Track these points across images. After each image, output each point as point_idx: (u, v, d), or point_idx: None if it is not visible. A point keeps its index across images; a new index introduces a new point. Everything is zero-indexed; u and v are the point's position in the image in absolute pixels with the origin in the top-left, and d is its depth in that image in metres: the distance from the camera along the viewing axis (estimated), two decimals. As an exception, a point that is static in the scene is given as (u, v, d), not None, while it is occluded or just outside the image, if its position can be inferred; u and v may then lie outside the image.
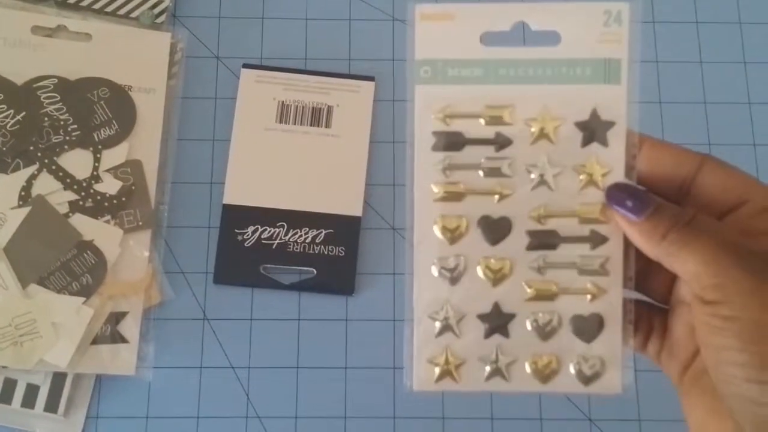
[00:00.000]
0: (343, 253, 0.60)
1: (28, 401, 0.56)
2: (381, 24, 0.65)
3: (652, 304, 0.36)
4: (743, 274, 0.29)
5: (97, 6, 0.63)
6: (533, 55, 0.34)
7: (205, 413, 0.58)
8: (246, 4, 0.66)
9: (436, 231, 0.35)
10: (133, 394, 0.58)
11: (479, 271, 0.35)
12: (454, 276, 0.35)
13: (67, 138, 0.59)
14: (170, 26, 0.63)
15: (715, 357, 0.30)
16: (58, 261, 0.57)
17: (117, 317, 0.57)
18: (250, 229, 0.60)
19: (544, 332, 0.34)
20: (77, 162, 0.59)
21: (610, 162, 0.34)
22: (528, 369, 0.35)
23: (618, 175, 0.34)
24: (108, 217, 0.58)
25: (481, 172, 0.35)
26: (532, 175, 0.34)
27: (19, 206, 0.58)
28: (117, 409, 0.58)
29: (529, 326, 0.35)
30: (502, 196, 0.35)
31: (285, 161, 0.61)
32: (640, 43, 0.34)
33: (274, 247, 0.59)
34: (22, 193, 0.58)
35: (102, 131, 0.60)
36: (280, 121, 0.62)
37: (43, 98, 0.60)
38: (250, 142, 0.61)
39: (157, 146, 0.60)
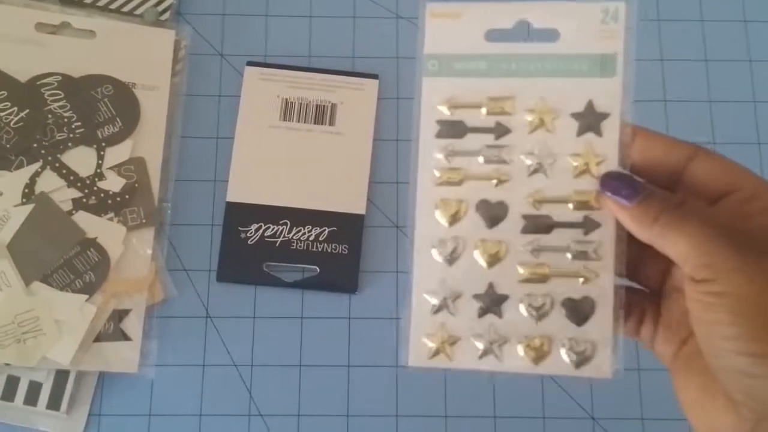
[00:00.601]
0: (347, 251, 0.60)
1: (31, 399, 0.56)
2: (385, 22, 0.66)
3: (644, 291, 0.38)
4: (731, 253, 0.31)
5: (101, 3, 0.63)
6: (533, 50, 0.37)
7: (208, 411, 0.58)
8: (250, 1, 0.66)
9: (437, 213, 0.37)
10: (136, 392, 0.58)
11: (476, 253, 0.36)
12: (452, 257, 0.36)
13: (71, 135, 0.59)
14: (174, 23, 0.64)
15: (708, 332, 0.32)
16: (62, 258, 0.57)
17: (120, 315, 0.58)
18: (254, 226, 0.60)
19: (537, 314, 0.36)
20: (81, 159, 0.60)
21: (604, 151, 0.36)
22: (520, 350, 0.36)
23: (612, 164, 0.36)
24: (111, 215, 0.59)
25: (481, 159, 0.37)
26: (529, 162, 0.36)
27: (23, 203, 0.58)
28: (120, 406, 0.58)
29: (522, 308, 0.36)
30: (500, 182, 0.37)
31: (288, 159, 0.61)
32: (636, 40, 0.36)
33: (277, 244, 0.60)
34: (26, 191, 0.58)
35: (106, 128, 0.60)
36: (284, 119, 0.62)
37: (47, 95, 0.60)
38: (254, 140, 0.61)
39: (160, 144, 0.61)
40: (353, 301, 0.61)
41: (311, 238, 0.60)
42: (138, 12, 0.63)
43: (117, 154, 0.60)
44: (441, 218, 0.37)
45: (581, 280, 0.36)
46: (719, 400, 0.33)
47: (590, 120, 0.36)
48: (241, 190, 0.61)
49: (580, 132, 0.36)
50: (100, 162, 0.60)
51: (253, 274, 0.60)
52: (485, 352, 0.36)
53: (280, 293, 0.60)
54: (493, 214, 0.36)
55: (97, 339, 0.57)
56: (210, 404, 0.58)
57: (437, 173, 0.37)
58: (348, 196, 0.61)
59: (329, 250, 0.60)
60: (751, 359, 0.30)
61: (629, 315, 0.36)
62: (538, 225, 0.36)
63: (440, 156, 0.37)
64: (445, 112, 0.37)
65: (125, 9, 0.63)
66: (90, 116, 0.60)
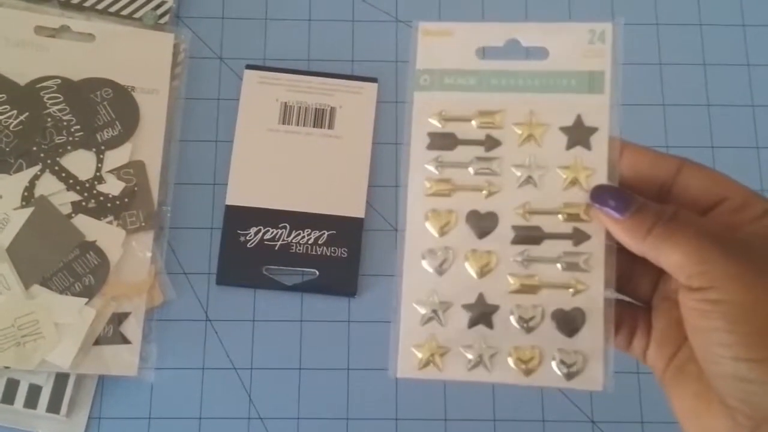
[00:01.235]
0: (346, 255, 0.60)
1: (31, 402, 0.56)
2: (384, 25, 0.66)
3: (635, 304, 0.38)
4: (727, 260, 0.32)
5: (100, 6, 0.64)
6: (523, 67, 0.38)
7: (208, 414, 0.58)
8: (249, 5, 0.66)
9: (427, 224, 0.37)
10: (136, 395, 0.59)
11: (466, 264, 0.37)
12: (442, 267, 0.37)
13: (70, 139, 0.60)
14: (173, 27, 0.64)
15: (704, 340, 0.32)
16: (61, 262, 0.58)
17: (119, 318, 0.58)
18: (253, 230, 0.60)
19: (527, 325, 0.36)
20: (80, 163, 0.60)
21: (594, 164, 0.37)
22: (510, 362, 0.36)
23: (601, 177, 0.36)
24: (111, 218, 0.59)
25: (471, 170, 0.37)
26: (519, 174, 0.37)
27: (22, 207, 0.58)
28: (119, 409, 0.59)
29: (512, 319, 0.36)
30: (490, 193, 0.37)
31: (288, 162, 0.61)
32: (623, 58, 0.37)
33: (276, 248, 0.60)
34: (25, 194, 0.58)
35: (105, 132, 0.60)
36: (283, 122, 0.62)
37: (47, 99, 0.60)
38: (253, 143, 0.62)
39: (160, 147, 0.61)
40: (352, 305, 0.61)
41: (311, 242, 0.60)
42: (137, 15, 0.64)
43: (116, 157, 0.61)
44: (431, 228, 0.37)
45: (571, 291, 0.36)
46: (714, 407, 0.33)
47: (579, 134, 0.37)
48: (240, 194, 0.61)
49: (570, 145, 0.37)
50: (99, 165, 0.60)
51: (252, 278, 0.60)
52: (475, 364, 0.36)
53: (279, 296, 0.61)
54: (483, 224, 0.37)
55: (97, 342, 0.58)
56: (209, 407, 0.59)
57: (428, 184, 0.38)
58: (347, 200, 0.62)
59: (329, 254, 0.60)
60: (748, 365, 0.31)
61: (620, 328, 0.37)
62: (528, 236, 0.37)
63: (431, 167, 0.38)
64: (436, 124, 0.38)
65: (124, 12, 0.64)
66: (89, 119, 0.61)
